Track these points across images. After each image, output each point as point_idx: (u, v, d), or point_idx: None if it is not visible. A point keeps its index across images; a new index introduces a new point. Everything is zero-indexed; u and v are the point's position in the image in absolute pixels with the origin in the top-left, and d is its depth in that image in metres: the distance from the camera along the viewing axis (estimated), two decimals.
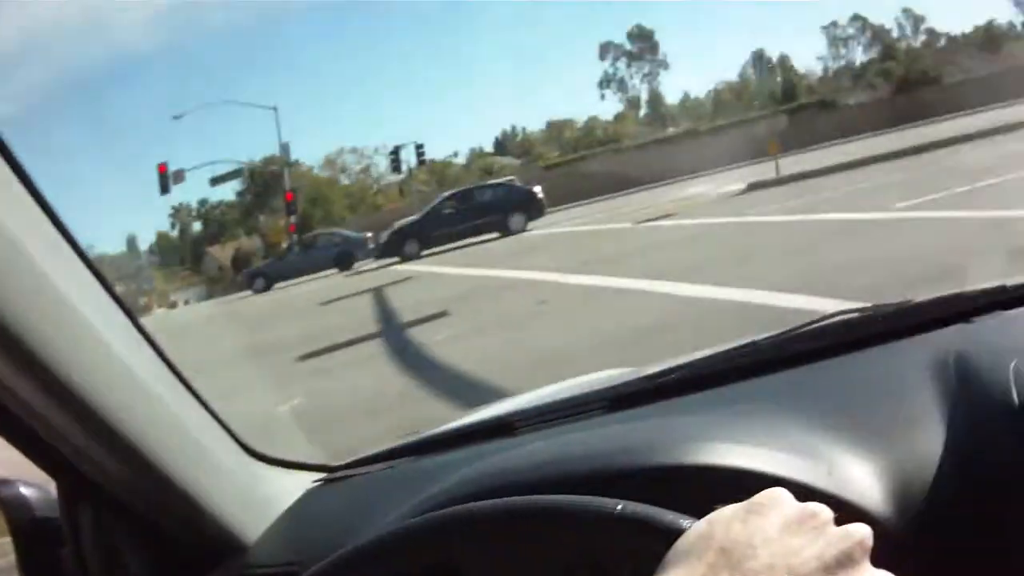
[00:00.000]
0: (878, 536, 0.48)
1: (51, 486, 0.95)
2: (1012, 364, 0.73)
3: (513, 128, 57.29)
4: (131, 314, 0.89)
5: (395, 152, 35.08)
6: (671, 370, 1.05)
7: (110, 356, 0.84)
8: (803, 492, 0.52)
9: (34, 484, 0.96)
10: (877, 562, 0.47)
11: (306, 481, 1.12)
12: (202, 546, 0.97)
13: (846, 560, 0.45)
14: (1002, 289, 0.99)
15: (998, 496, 0.66)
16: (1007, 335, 0.84)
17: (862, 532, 0.47)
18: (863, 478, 0.71)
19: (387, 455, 1.12)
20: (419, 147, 34.69)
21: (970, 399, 0.75)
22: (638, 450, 0.81)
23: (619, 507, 0.57)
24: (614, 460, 0.80)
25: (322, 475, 1.13)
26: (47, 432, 0.84)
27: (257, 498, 1.03)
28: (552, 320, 7.46)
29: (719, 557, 0.45)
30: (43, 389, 0.78)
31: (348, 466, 1.13)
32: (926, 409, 0.76)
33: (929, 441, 0.73)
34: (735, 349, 1.05)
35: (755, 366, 0.99)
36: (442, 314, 8.73)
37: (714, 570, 0.44)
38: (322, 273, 22.44)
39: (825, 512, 0.48)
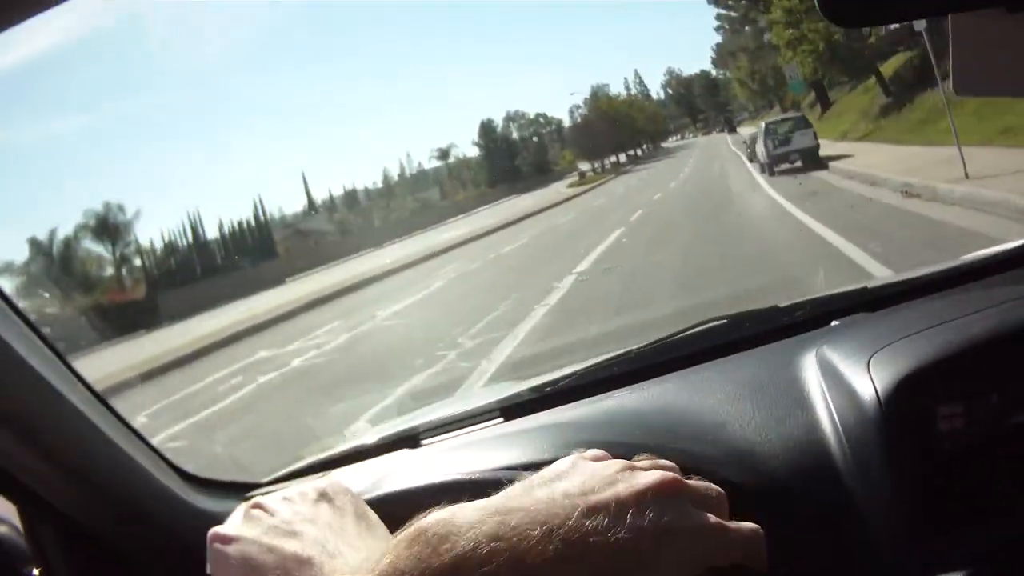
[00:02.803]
0: (731, 496, 0.55)
1: (12, 512, 0.98)
2: (870, 358, 0.78)
3: None
4: (58, 351, 0.93)
5: None
6: (555, 381, 1.12)
7: (43, 384, 0.88)
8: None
9: None
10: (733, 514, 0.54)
11: (236, 497, 1.16)
12: (157, 561, 1.02)
13: (610, 481, 0.50)
14: (863, 291, 1.08)
15: (861, 470, 0.73)
16: (867, 333, 0.87)
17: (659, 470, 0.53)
18: (726, 461, 0.78)
19: (306, 470, 1.20)
20: None
21: (833, 393, 0.80)
22: (526, 454, 0.90)
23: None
24: (507, 462, 0.89)
25: (249, 492, 1.18)
26: (3, 461, 0.87)
27: (197, 516, 1.08)
28: None
29: (523, 486, 0.52)
30: None
31: (272, 482, 1.20)
32: (794, 406, 0.82)
33: (794, 432, 0.79)
34: (612, 359, 1.13)
35: (633, 373, 1.06)
36: None
37: (515, 489, 0.51)
38: None
39: (608, 461, 0.55)
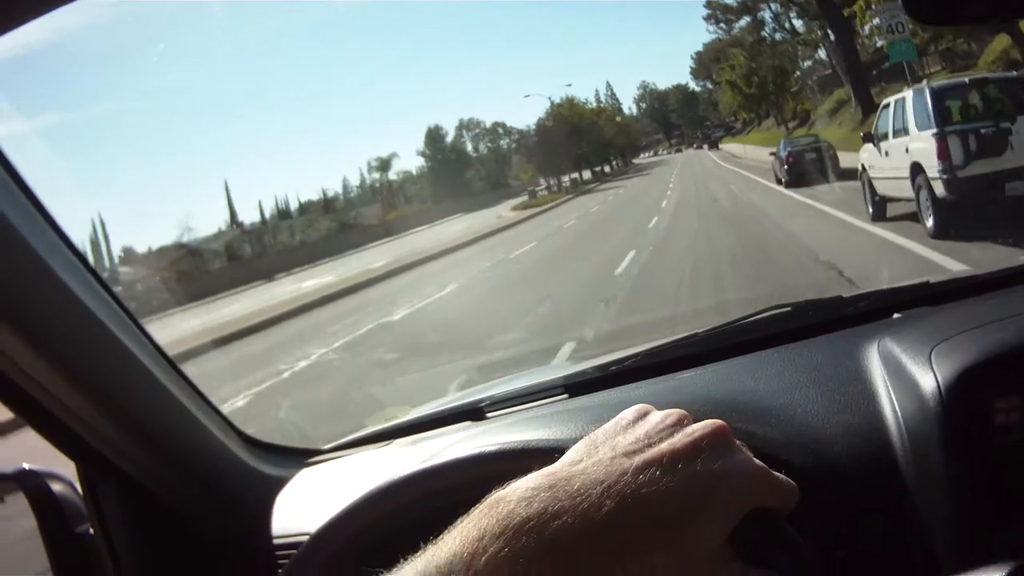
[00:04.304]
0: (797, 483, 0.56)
1: (70, 472, 1.03)
2: (932, 350, 0.78)
3: None
4: (131, 315, 0.96)
5: None
6: (621, 360, 1.16)
7: (117, 345, 0.92)
8: None
9: (53, 471, 1.05)
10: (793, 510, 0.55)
11: (298, 463, 1.23)
12: (216, 523, 1.07)
13: (667, 434, 0.54)
14: (925, 285, 1.15)
15: (919, 460, 0.73)
16: (928, 327, 0.87)
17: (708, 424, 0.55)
18: (789, 444, 0.77)
19: (368, 439, 1.25)
20: None
21: (894, 383, 0.80)
22: (589, 429, 0.81)
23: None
24: (569, 438, 0.83)
25: (312, 458, 1.24)
26: (67, 416, 0.90)
27: (259, 480, 1.14)
28: None
29: (587, 445, 0.55)
30: (59, 373, 0.86)
31: (333, 449, 1.26)
32: (856, 394, 0.82)
33: (856, 420, 0.79)
34: (678, 340, 1.18)
35: (697, 356, 1.08)
36: None
37: (579, 447, 0.55)
38: None
39: (664, 413, 0.57)
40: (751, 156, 31.26)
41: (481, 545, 0.47)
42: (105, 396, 0.90)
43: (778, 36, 36.13)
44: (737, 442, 0.55)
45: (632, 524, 0.48)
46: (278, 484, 1.16)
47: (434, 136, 60.46)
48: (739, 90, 37.26)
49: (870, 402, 0.80)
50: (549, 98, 63.83)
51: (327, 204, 61.15)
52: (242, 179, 78.50)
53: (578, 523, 0.47)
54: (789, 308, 1.15)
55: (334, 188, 63.51)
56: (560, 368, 1.26)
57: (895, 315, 1.04)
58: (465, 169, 59.43)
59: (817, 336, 1.03)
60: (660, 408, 0.58)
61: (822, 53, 37.00)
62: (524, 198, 39.65)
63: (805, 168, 14.98)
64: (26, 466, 1.05)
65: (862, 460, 0.76)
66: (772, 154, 17.81)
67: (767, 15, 35.68)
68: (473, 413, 1.16)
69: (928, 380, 0.75)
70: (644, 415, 0.58)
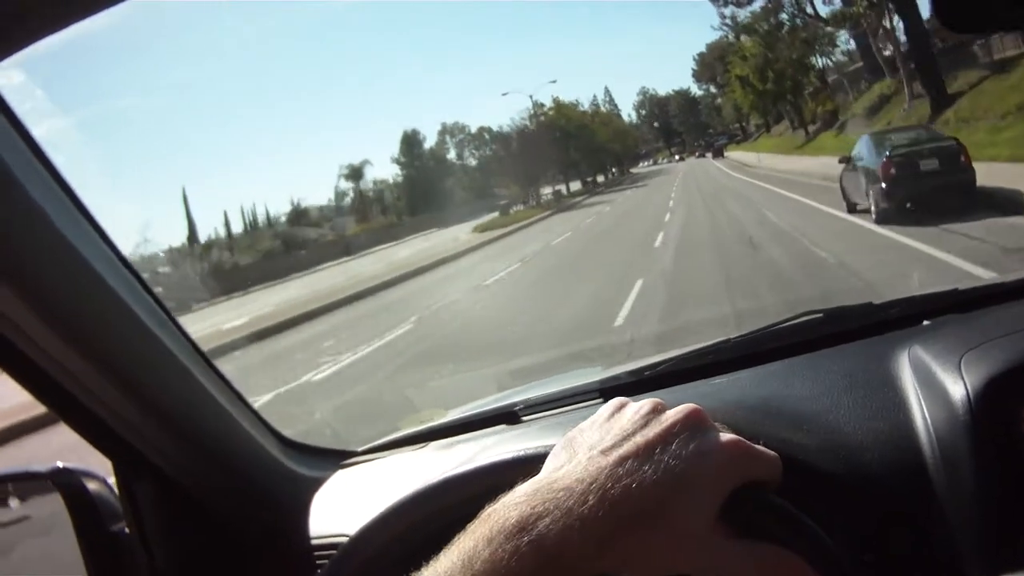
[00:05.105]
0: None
1: (104, 471, 1.03)
2: (961, 358, 0.79)
3: None
4: (167, 311, 0.95)
5: None
6: (655, 364, 1.16)
7: (154, 341, 0.92)
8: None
9: (87, 469, 1.04)
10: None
11: (333, 465, 1.22)
12: (251, 523, 1.08)
13: (640, 424, 0.57)
14: (955, 292, 1.12)
15: (948, 467, 0.73)
16: (959, 333, 0.87)
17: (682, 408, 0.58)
18: (821, 450, 0.77)
19: (403, 441, 1.24)
20: None
21: (924, 391, 0.80)
22: None
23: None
24: None
25: (347, 459, 1.23)
26: (105, 412, 0.91)
27: (294, 480, 1.14)
28: None
29: (566, 448, 0.59)
30: (97, 369, 0.87)
31: (368, 451, 1.24)
32: (887, 401, 0.82)
33: (887, 428, 0.79)
34: (711, 346, 1.15)
35: (730, 361, 1.08)
36: None
37: (559, 452, 0.59)
38: None
39: (637, 405, 0.60)
40: (769, 166, 25.35)
41: (475, 552, 0.50)
42: (143, 393, 0.92)
43: (798, 22, 30.03)
44: (712, 422, 0.57)
45: (616, 515, 0.50)
46: (314, 485, 1.17)
47: (410, 141, 54.46)
48: (751, 87, 31.33)
49: (901, 410, 0.81)
50: (531, 96, 57.46)
51: (297, 216, 55.47)
52: (213, 188, 72.41)
53: (563, 519, 0.50)
54: (821, 314, 1.16)
55: (312, 198, 57.67)
56: (595, 372, 1.30)
57: (925, 322, 1.04)
58: (444, 178, 53.34)
59: (849, 343, 1.02)
60: None
61: (845, 41, 31.10)
62: (495, 215, 33.56)
63: (922, 188, 8.07)
64: (60, 464, 1.04)
65: (892, 467, 0.76)
66: (843, 160, 10.64)
67: None
68: (508, 416, 1.17)
69: (958, 388, 0.76)
70: (620, 408, 0.61)
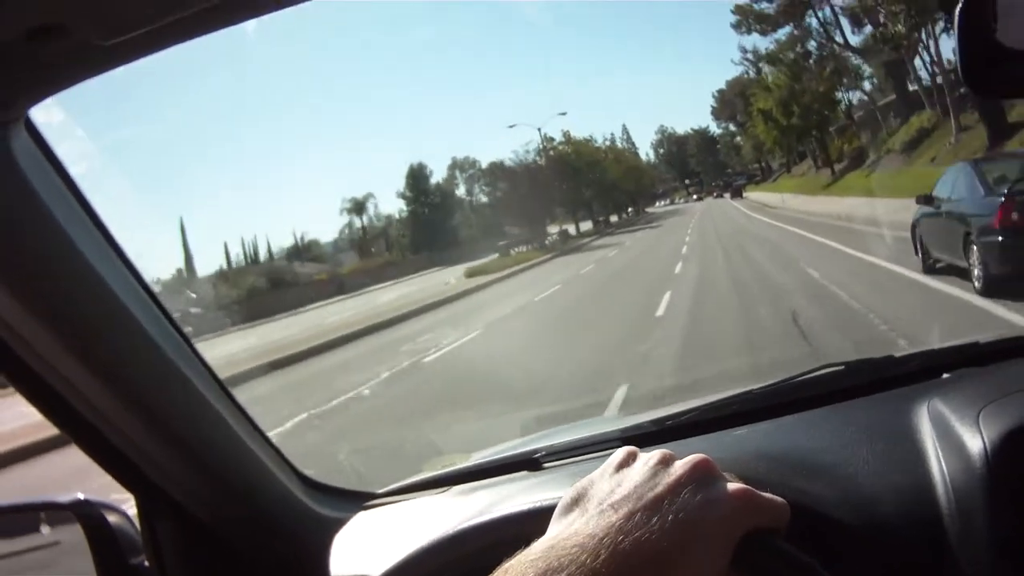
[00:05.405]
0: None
1: (126, 505, 1.04)
2: (979, 412, 0.80)
3: None
4: (195, 349, 0.95)
5: None
6: (678, 414, 1.16)
7: (180, 377, 0.91)
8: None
9: (108, 502, 1.05)
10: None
11: (355, 506, 1.21)
12: (271, 562, 1.07)
13: (650, 476, 0.58)
14: (975, 345, 1.11)
15: (964, 518, 0.74)
16: (977, 387, 0.88)
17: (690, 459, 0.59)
18: (840, 502, 0.79)
19: (423, 485, 1.23)
20: None
21: (943, 444, 0.81)
22: None
23: None
24: None
25: (369, 501, 1.23)
26: (129, 449, 0.91)
27: (316, 520, 1.14)
28: None
29: (577, 500, 0.60)
30: (122, 403, 0.87)
31: (388, 493, 1.24)
32: (906, 454, 0.83)
33: (905, 480, 0.79)
34: (733, 397, 1.17)
35: (752, 412, 1.09)
36: None
37: (569, 507, 0.60)
38: None
39: (646, 457, 0.61)
40: (794, 207, 22.83)
41: None
42: (168, 429, 0.91)
43: (825, 52, 27.71)
44: (719, 472, 0.58)
45: (629, 567, 0.52)
46: (335, 525, 1.16)
47: (416, 175, 52.21)
48: (774, 122, 28.96)
49: (919, 463, 0.81)
50: (539, 129, 55.27)
51: (299, 250, 53.42)
52: (220, 220, 70.89)
53: (578, 574, 0.51)
54: (842, 367, 1.15)
55: (325, 233, 55.67)
56: (617, 420, 1.31)
57: (944, 375, 1.04)
58: (452, 214, 51.11)
59: (869, 395, 1.03)
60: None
61: (870, 76, 28.72)
62: (503, 256, 31.11)
63: None
64: (81, 496, 1.05)
65: (909, 519, 0.76)
66: (923, 200, 7.68)
67: (813, 22, 27.19)
68: (530, 463, 1.16)
69: (976, 442, 0.77)
70: (630, 459, 0.61)
